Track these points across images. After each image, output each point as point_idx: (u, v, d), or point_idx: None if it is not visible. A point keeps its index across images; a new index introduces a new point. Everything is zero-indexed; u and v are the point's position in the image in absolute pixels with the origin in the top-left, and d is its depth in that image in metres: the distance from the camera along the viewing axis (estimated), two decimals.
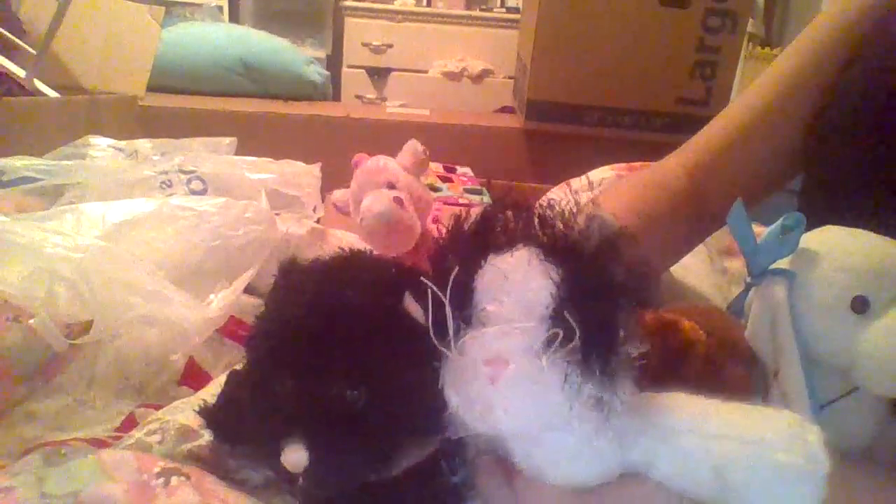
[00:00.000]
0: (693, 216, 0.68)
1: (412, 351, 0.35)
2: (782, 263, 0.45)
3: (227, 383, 0.50)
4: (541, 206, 0.35)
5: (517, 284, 0.31)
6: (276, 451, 0.35)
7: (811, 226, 0.46)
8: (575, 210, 0.33)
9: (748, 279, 0.48)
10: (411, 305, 0.37)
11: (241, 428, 0.45)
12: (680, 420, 0.34)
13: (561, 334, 0.29)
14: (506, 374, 0.30)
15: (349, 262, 0.41)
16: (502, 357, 0.30)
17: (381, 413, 0.36)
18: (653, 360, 0.37)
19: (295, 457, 0.34)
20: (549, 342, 0.29)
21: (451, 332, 0.31)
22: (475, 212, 0.34)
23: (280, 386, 0.36)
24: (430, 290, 0.33)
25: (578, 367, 0.29)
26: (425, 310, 0.34)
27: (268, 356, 0.38)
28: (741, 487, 0.32)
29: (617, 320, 0.29)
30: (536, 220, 0.33)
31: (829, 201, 0.58)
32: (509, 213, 0.34)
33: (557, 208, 0.33)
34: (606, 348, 0.29)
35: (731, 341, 0.46)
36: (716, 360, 0.44)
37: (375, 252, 0.47)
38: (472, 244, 0.34)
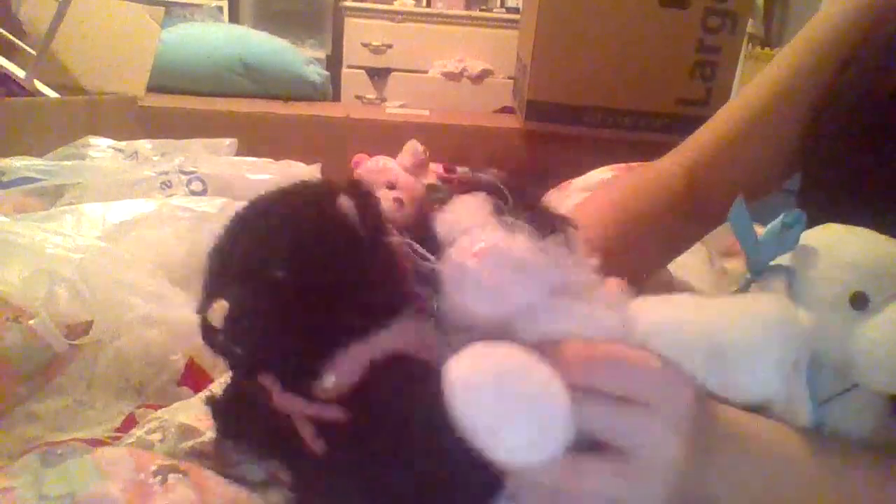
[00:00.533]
0: (690, 214, 0.68)
1: (340, 241, 0.40)
2: (782, 260, 0.46)
3: (231, 377, 0.51)
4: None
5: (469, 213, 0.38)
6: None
7: (809, 225, 0.47)
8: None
9: (748, 276, 0.48)
10: (344, 203, 0.41)
11: (245, 422, 0.46)
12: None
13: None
14: (491, 257, 0.35)
15: (299, 184, 0.45)
16: (478, 245, 0.35)
17: (304, 287, 0.38)
18: None
19: (218, 310, 0.38)
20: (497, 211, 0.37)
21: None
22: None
23: (219, 261, 0.41)
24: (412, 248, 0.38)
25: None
26: (358, 210, 0.40)
27: (221, 251, 0.42)
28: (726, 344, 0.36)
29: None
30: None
31: (827, 201, 0.58)
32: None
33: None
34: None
35: None
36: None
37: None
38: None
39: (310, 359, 0.40)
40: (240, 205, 0.44)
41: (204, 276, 0.42)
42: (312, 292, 0.38)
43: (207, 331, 0.39)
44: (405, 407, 0.39)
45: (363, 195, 0.42)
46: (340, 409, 0.40)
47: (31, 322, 0.56)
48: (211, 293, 0.39)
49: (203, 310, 0.39)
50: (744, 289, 0.50)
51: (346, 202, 0.41)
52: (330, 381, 0.40)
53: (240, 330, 0.38)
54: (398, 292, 0.41)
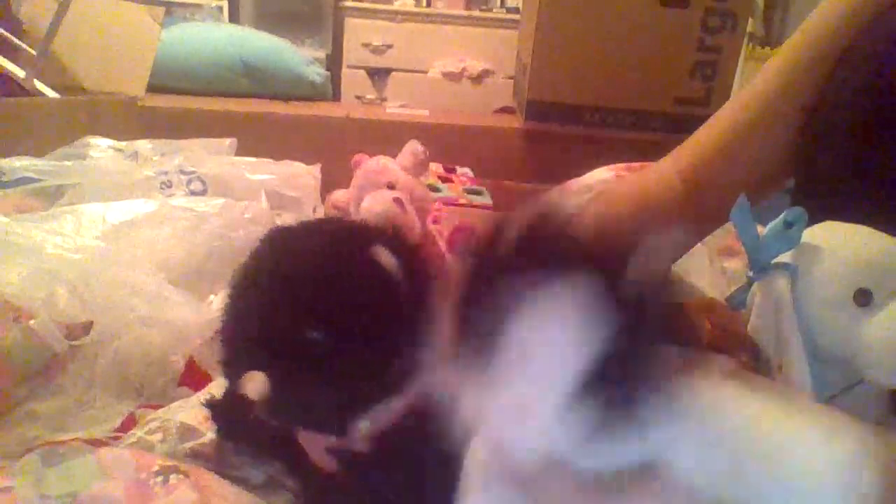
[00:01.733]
0: (690, 219, 0.68)
1: (377, 298, 0.36)
2: (784, 258, 0.46)
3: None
4: (588, 230, 0.33)
5: (555, 335, 0.29)
6: (238, 379, 0.36)
7: (812, 221, 0.47)
8: (632, 253, 0.31)
9: (750, 274, 0.48)
10: (382, 256, 0.37)
11: (245, 424, 0.46)
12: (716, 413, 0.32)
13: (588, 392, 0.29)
14: (530, 422, 0.30)
15: (326, 221, 0.43)
16: (529, 405, 0.30)
17: (342, 355, 0.36)
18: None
19: (253, 383, 0.34)
20: (576, 395, 0.29)
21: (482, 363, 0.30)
22: (519, 219, 0.32)
23: (248, 321, 0.37)
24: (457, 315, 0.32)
25: (598, 417, 0.30)
26: (398, 261, 0.36)
27: (240, 296, 0.39)
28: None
29: (643, 388, 0.29)
30: (581, 253, 0.32)
31: (821, 199, 0.58)
32: (554, 230, 0.32)
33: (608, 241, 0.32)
34: (628, 407, 0.30)
35: (734, 331, 0.47)
36: (720, 349, 0.44)
37: None
38: (513, 263, 0.31)
39: (348, 416, 0.39)
40: (266, 235, 0.41)
41: (228, 328, 0.38)
42: (353, 359, 0.36)
43: (239, 400, 0.35)
44: (423, 441, 0.37)
45: (401, 242, 0.39)
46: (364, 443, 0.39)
47: (31, 322, 0.56)
48: (243, 362, 0.36)
49: (232, 376, 0.36)
50: (746, 288, 0.50)
51: (383, 253, 0.38)
52: (365, 427, 0.39)
53: (279, 404, 0.35)
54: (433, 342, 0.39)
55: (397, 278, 0.36)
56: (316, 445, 0.41)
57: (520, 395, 0.30)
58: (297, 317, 0.36)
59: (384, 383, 0.38)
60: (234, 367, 0.36)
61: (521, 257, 0.31)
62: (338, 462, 0.41)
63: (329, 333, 0.35)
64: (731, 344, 0.45)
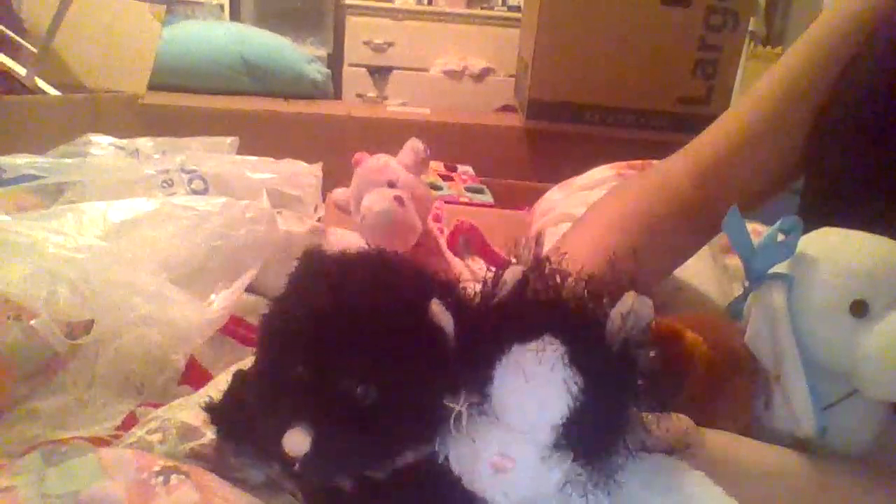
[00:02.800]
0: (699, 223, 0.67)
1: (430, 357, 0.36)
2: (780, 267, 0.45)
3: (232, 382, 0.50)
4: (575, 279, 0.34)
5: (538, 389, 0.31)
6: (279, 437, 0.35)
7: (812, 226, 0.46)
8: (608, 287, 0.33)
9: (746, 284, 0.48)
10: (439, 312, 0.36)
11: (245, 426, 0.46)
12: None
13: (568, 446, 0.31)
14: (510, 474, 0.32)
15: (377, 259, 0.40)
16: (509, 456, 0.32)
17: (388, 413, 0.36)
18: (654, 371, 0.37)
19: (296, 440, 0.34)
20: (555, 447, 0.31)
21: (463, 418, 0.32)
22: (507, 278, 0.34)
23: (292, 371, 0.36)
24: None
25: (579, 470, 0.32)
26: (452, 318, 0.35)
27: (284, 341, 0.37)
28: None
29: (621, 439, 0.31)
30: (570, 300, 0.33)
31: (831, 201, 0.58)
32: (540, 288, 0.34)
33: (593, 287, 0.33)
34: (607, 461, 0.31)
35: (734, 353, 0.46)
36: (719, 374, 0.44)
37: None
38: (499, 325, 0.33)
39: (386, 465, 0.39)
40: (303, 263, 0.40)
41: (271, 366, 0.38)
42: (396, 415, 0.36)
43: (280, 453, 0.35)
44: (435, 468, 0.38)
45: (457, 298, 0.38)
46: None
47: (32, 322, 0.56)
48: (286, 417, 0.34)
49: (272, 424, 0.35)
50: (743, 298, 0.50)
51: (439, 310, 0.36)
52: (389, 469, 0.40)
53: (321, 463, 0.35)
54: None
55: (451, 336, 0.36)
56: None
57: (500, 442, 0.32)
58: (349, 374, 0.35)
59: (425, 436, 0.38)
60: (274, 418, 0.35)
61: (511, 312, 0.33)
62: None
63: (380, 394, 0.35)
64: (730, 365, 0.45)
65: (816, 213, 0.45)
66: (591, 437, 0.31)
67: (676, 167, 0.70)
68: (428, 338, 0.36)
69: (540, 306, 0.34)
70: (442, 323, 0.36)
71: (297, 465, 0.35)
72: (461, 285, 0.39)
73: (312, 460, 0.34)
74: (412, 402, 0.36)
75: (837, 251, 0.44)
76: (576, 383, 0.31)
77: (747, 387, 0.46)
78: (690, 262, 0.72)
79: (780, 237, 0.45)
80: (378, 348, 0.35)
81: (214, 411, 0.50)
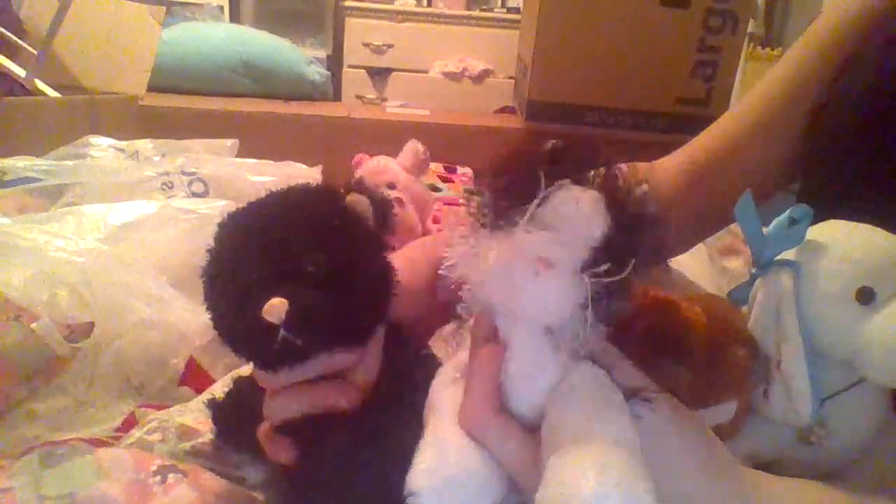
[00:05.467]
0: (694, 215, 0.68)
1: (356, 230, 0.43)
2: (788, 255, 0.46)
3: (234, 384, 0.51)
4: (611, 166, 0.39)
5: (583, 216, 0.35)
6: (254, 322, 0.38)
7: (815, 220, 0.47)
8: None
9: (753, 270, 0.48)
10: (354, 199, 0.43)
11: (245, 426, 0.46)
12: None
13: (598, 265, 0.34)
14: (549, 273, 0.34)
15: (295, 185, 0.46)
16: (551, 259, 0.35)
17: (341, 278, 0.41)
18: (652, 340, 0.39)
19: (276, 305, 0.37)
20: (587, 266, 0.35)
21: (530, 210, 0.35)
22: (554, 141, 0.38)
23: (248, 265, 0.40)
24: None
25: (601, 289, 0.35)
26: (372, 206, 0.43)
27: (237, 241, 0.42)
28: None
29: (636, 268, 0.35)
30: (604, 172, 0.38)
31: (827, 200, 0.58)
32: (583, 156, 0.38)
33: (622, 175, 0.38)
34: (624, 286, 0.35)
35: (733, 325, 0.47)
36: (717, 342, 0.44)
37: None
38: (554, 162, 0.38)
39: (356, 339, 0.43)
40: (244, 205, 0.45)
41: (225, 282, 0.42)
42: (348, 283, 0.41)
43: (263, 330, 0.39)
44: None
45: (368, 191, 0.45)
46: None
47: (33, 326, 0.56)
48: (261, 291, 0.39)
49: (249, 308, 0.39)
50: (748, 284, 0.50)
51: (356, 198, 0.44)
52: (361, 375, 0.44)
53: (304, 321, 0.39)
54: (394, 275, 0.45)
55: (370, 217, 0.44)
56: (282, 444, 0.43)
57: (545, 249, 0.35)
58: (307, 248, 0.40)
59: (377, 305, 0.44)
60: (255, 299, 0.39)
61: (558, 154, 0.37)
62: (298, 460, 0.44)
63: (326, 261, 0.40)
64: (729, 337, 0.45)
65: (813, 209, 0.45)
66: (612, 268, 0.35)
67: (671, 164, 0.71)
68: (352, 217, 0.43)
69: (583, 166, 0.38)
70: (359, 207, 0.44)
71: (282, 329, 0.38)
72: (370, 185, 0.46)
73: (294, 322, 0.38)
74: (355, 270, 0.41)
75: (846, 240, 0.44)
76: (608, 221, 0.35)
77: (747, 359, 0.46)
78: (689, 262, 0.72)
79: (785, 225, 0.45)
80: (314, 228, 0.41)
81: (216, 407, 0.50)
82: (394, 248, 0.47)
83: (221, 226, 0.44)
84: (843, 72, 0.60)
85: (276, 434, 0.43)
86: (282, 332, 0.38)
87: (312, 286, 0.40)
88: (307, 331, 0.39)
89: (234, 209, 0.45)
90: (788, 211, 0.45)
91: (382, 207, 0.45)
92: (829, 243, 0.44)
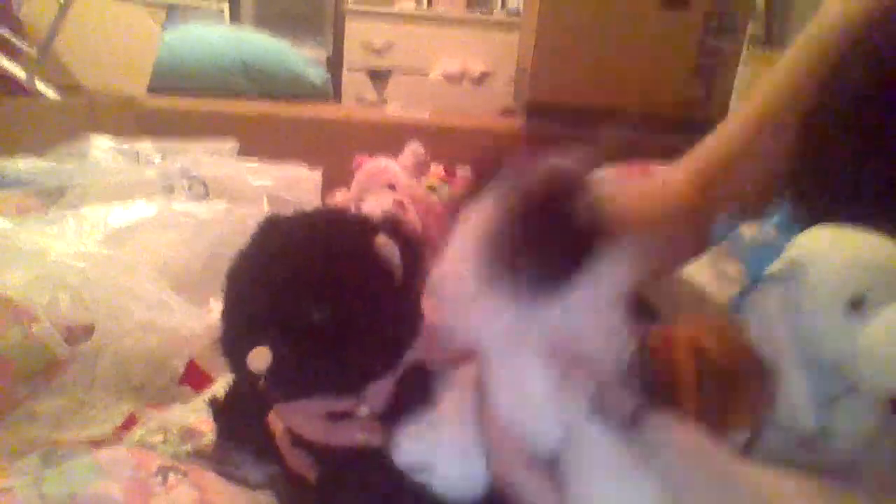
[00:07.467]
0: (699, 223, 0.67)
1: (376, 281, 0.40)
2: (778, 264, 0.46)
3: (234, 382, 0.51)
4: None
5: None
6: (243, 358, 0.38)
7: (804, 226, 0.46)
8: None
9: (744, 281, 0.48)
10: (383, 244, 0.41)
11: (245, 425, 0.46)
12: None
13: None
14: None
15: (326, 211, 0.46)
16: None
17: (342, 332, 0.39)
18: (667, 380, 0.39)
19: (258, 356, 0.37)
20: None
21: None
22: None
23: (255, 300, 0.39)
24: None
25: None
26: (400, 249, 0.40)
27: (247, 277, 0.41)
28: None
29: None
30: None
31: (821, 201, 0.58)
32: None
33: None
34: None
35: (745, 352, 0.46)
36: (730, 375, 0.44)
37: None
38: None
39: (345, 393, 0.42)
40: (263, 223, 0.44)
41: (233, 306, 0.41)
42: (351, 337, 0.39)
43: (247, 375, 0.38)
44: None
45: (402, 234, 0.42)
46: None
47: (34, 329, 0.56)
48: (250, 338, 0.38)
49: (238, 353, 0.38)
50: (742, 296, 0.50)
51: (384, 242, 0.41)
52: (364, 412, 0.43)
53: (283, 377, 0.38)
54: (420, 320, 0.43)
55: (395, 267, 0.40)
56: (297, 454, 0.44)
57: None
58: (303, 299, 0.39)
59: (378, 363, 0.41)
60: (239, 346, 0.39)
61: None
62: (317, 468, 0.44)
63: (332, 316, 0.38)
64: (743, 366, 0.45)
65: (809, 213, 0.45)
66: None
67: (675, 171, 0.71)
68: (373, 265, 0.40)
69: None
70: (387, 254, 0.40)
71: (262, 380, 0.37)
72: (406, 224, 0.44)
73: (275, 375, 0.37)
74: (364, 323, 0.39)
75: (835, 246, 0.44)
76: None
77: (759, 385, 0.46)
78: (689, 266, 0.72)
79: (773, 233, 0.45)
80: (327, 274, 0.39)
81: (217, 407, 0.50)
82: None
83: (254, 238, 0.43)
84: (837, 73, 0.60)
85: (295, 447, 0.44)
86: (262, 381, 0.38)
87: (311, 337, 0.38)
88: (285, 384, 0.39)
89: (273, 217, 0.44)
90: (774, 219, 0.45)
91: (413, 250, 0.42)
92: (819, 251, 0.44)
